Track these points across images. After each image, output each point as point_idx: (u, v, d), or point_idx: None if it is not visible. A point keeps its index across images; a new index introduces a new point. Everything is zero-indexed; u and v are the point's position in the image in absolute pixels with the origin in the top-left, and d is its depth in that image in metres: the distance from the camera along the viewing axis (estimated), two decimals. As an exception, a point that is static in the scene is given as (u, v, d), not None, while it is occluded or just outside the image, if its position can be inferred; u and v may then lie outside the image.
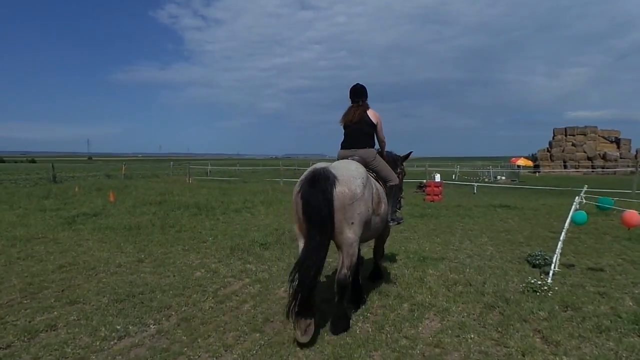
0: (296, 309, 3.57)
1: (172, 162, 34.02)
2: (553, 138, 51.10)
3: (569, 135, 50.11)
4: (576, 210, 5.34)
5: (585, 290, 5.01)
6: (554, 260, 5.23)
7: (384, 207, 4.38)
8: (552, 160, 48.95)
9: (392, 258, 6.53)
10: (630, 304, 4.60)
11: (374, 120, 4.60)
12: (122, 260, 6.35)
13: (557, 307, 4.40)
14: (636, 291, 5.01)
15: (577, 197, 5.38)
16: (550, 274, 5.14)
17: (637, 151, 49.67)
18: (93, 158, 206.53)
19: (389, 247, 7.16)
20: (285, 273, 5.72)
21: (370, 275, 5.42)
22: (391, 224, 4.77)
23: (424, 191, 17.80)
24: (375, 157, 4.62)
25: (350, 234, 3.77)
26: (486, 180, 30.09)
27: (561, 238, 5.34)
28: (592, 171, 43.29)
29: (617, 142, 49.19)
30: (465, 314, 4.24)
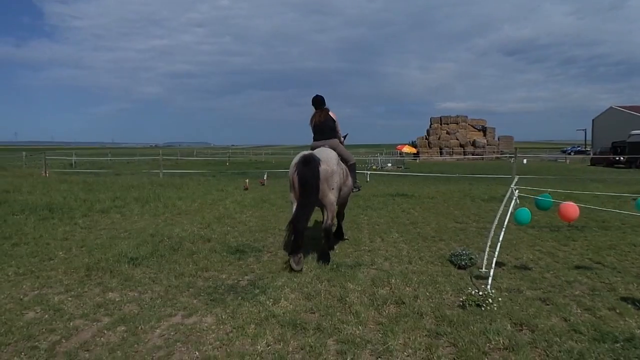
0: (291, 249, 5.16)
1: (24, 152, 28.95)
2: (430, 126, 54.59)
3: (444, 124, 53.92)
4: (517, 206, 4.64)
5: (525, 297, 4.35)
6: (492, 264, 4.48)
7: (350, 180, 6.15)
8: (429, 147, 52.25)
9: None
10: (579, 311, 4.00)
11: (334, 118, 6.35)
12: None
13: (509, 327, 3.61)
14: (575, 292, 4.49)
15: (515, 191, 4.67)
16: (489, 282, 4.38)
17: (499, 139, 55.24)
18: None
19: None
20: (163, 301, 4.25)
21: (334, 233, 6.55)
22: (354, 190, 6.55)
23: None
24: (339, 145, 6.31)
25: (331, 196, 5.43)
26: (374, 167, 30.59)
27: (501, 238, 4.61)
28: (464, 157, 47.03)
29: (484, 130, 54.20)
30: (410, 351, 3.22)
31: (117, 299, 4.33)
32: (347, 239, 6.92)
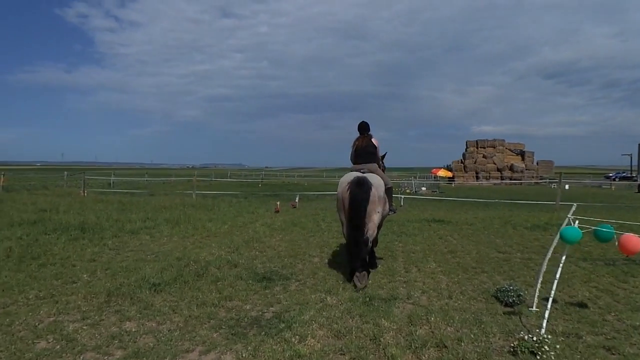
0: (356, 267, 5.49)
1: (66, 172, 29.96)
2: (466, 150, 53.41)
3: (480, 147, 52.65)
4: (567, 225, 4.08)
5: (586, 344, 3.80)
6: (547, 304, 3.96)
7: (387, 204, 6.27)
8: (465, 171, 51.01)
9: (329, 296, 4.98)
10: (653, 364, 3.43)
11: (375, 144, 6.62)
12: None
13: (571, 381, 3.10)
14: (645, 340, 3.90)
15: (574, 221, 4.15)
16: (544, 324, 3.86)
17: (538, 163, 53.41)
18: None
19: (323, 282, 5.63)
20: (181, 334, 3.94)
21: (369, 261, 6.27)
22: (390, 213, 6.66)
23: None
24: (377, 169, 6.46)
25: (375, 218, 5.70)
26: (408, 191, 29.94)
27: (557, 275, 4.10)
28: (502, 182, 45.55)
29: (522, 154, 52.56)
30: (455, 408, 2.76)
31: (133, 330, 4.06)
32: (380, 259, 7.05)
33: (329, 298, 4.96)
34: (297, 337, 3.83)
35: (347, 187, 5.74)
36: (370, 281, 5.77)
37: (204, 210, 14.43)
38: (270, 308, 4.72)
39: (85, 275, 6.02)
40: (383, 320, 4.23)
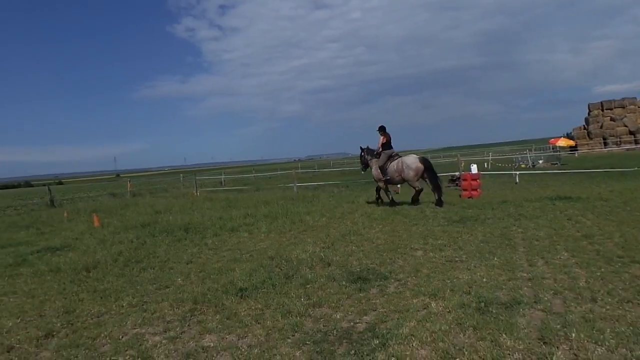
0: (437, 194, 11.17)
1: (181, 175, 32.28)
2: (589, 114, 47.28)
3: (606, 109, 46.21)
4: None
5: None
6: None
7: None
8: (590, 138, 45.22)
9: (434, 302, 4.17)
10: None
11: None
12: (21, 336, 4.19)
13: None
14: None
15: None
16: None
17: (684, 121, 45.38)
18: (120, 175, 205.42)
19: (426, 282, 4.81)
20: (260, 352, 3.45)
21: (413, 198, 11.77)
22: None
23: (458, 186, 15.29)
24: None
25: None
26: (523, 166, 27.15)
27: None
28: (637, 147, 39.40)
29: (662, 112, 45.08)
30: None
31: (211, 345, 3.68)
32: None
33: (433, 304, 4.15)
34: (393, 359, 3.12)
35: (417, 163, 11.26)
36: (484, 278, 4.82)
37: (304, 202, 14.21)
38: (364, 317, 4.05)
39: (179, 279, 5.91)
40: (505, 336, 3.32)
